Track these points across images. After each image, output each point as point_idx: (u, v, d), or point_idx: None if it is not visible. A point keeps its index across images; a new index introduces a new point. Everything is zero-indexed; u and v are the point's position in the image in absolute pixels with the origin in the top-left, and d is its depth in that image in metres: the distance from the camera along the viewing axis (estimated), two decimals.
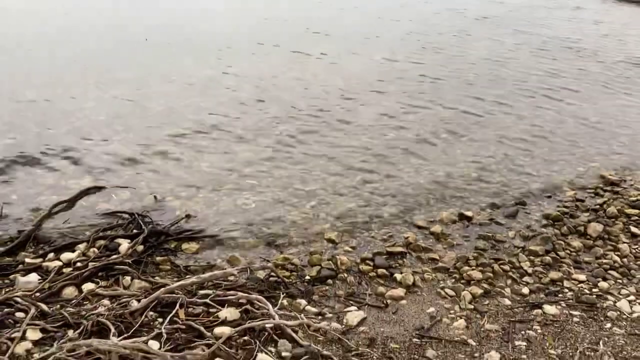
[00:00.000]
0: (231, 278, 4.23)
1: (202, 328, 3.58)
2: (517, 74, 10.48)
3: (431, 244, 5.05)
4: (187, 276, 4.28)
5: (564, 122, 8.21)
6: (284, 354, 3.47)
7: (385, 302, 4.19)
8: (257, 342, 3.51)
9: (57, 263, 4.36)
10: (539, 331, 3.92)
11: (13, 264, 4.35)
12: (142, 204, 5.47)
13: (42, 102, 7.97)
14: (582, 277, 4.64)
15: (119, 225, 5.02)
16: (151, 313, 3.71)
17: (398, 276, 4.49)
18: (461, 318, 4.03)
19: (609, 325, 4.03)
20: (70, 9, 13.52)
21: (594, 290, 4.48)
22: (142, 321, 3.61)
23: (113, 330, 3.45)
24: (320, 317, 3.96)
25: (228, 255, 4.73)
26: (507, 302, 4.29)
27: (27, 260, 4.41)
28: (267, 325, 3.64)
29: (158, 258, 4.56)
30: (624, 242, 5.18)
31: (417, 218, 5.48)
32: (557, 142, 7.50)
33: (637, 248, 5.12)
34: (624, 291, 4.49)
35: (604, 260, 4.90)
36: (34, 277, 4.14)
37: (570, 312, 4.17)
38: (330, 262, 4.62)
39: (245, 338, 3.56)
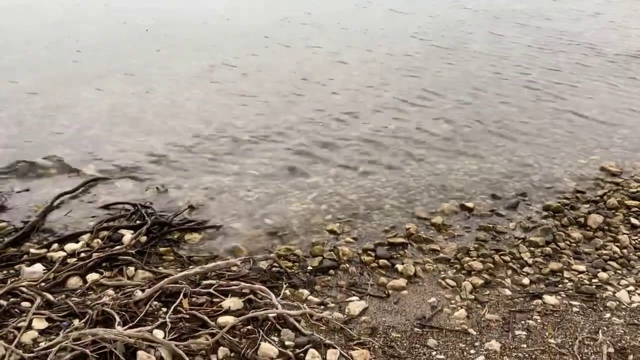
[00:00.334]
0: (234, 268, 4.28)
1: (205, 317, 3.61)
2: (518, 67, 10.46)
3: (432, 235, 5.08)
4: (191, 266, 4.33)
5: (564, 114, 8.21)
6: (287, 343, 3.51)
7: (386, 292, 4.23)
8: (261, 332, 3.55)
9: (62, 253, 4.41)
10: (539, 321, 3.96)
11: (18, 254, 4.40)
12: (145, 195, 5.51)
13: (44, 95, 7.97)
14: (582, 267, 4.68)
15: (122, 216, 5.06)
16: (155, 303, 3.76)
17: (399, 267, 4.53)
18: (462, 308, 4.07)
19: (608, 315, 4.07)
20: (70, 8, 13.51)
21: (593, 280, 4.52)
22: (147, 311, 3.65)
23: (118, 319, 3.49)
24: (322, 306, 4.00)
25: (231, 245, 4.78)
26: (508, 292, 4.33)
27: (32, 250, 4.45)
28: (270, 315, 3.68)
29: (161, 249, 4.60)
30: (624, 233, 5.20)
31: (418, 209, 5.50)
32: (557, 134, 7.50)
33: (636, 239, 5.14)
34: (623, 282, 4.53)
35: (604, 251, 4.93)
36: (38, 267, 4.18)
37: (570, 302, 4.21)
38: (332, 252, 4.66)
39: (249, 327, 3.60)
